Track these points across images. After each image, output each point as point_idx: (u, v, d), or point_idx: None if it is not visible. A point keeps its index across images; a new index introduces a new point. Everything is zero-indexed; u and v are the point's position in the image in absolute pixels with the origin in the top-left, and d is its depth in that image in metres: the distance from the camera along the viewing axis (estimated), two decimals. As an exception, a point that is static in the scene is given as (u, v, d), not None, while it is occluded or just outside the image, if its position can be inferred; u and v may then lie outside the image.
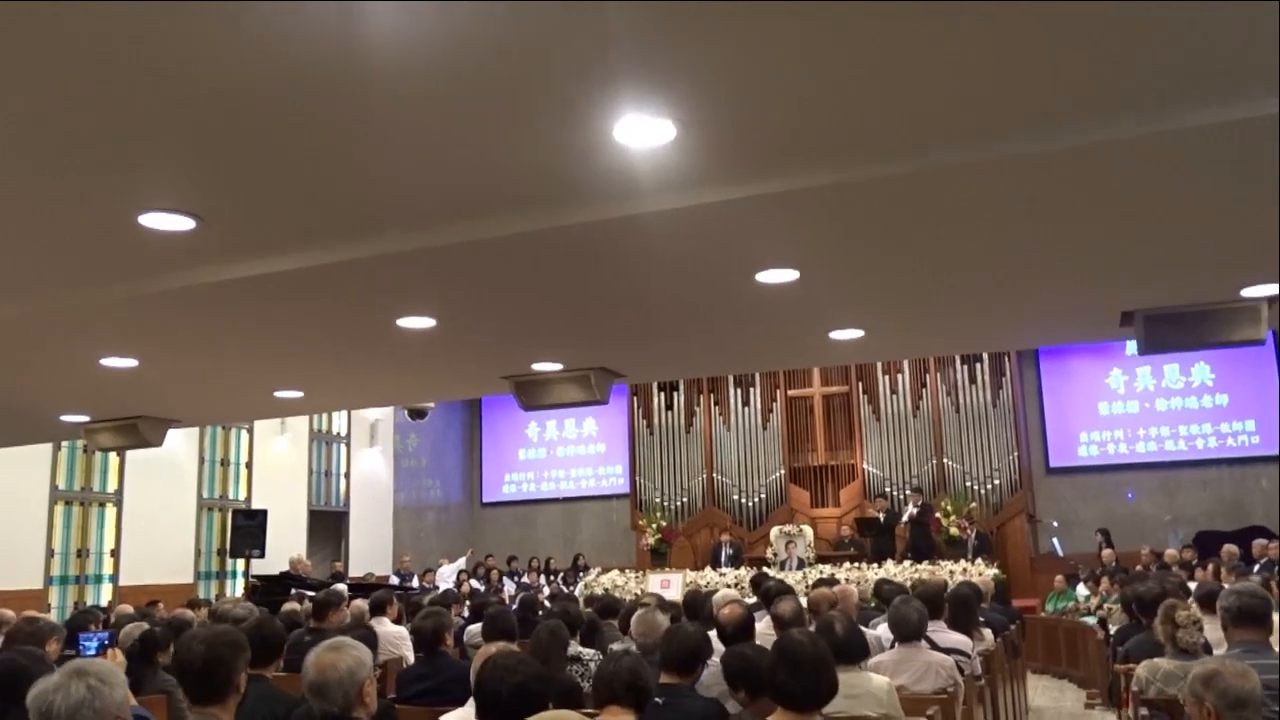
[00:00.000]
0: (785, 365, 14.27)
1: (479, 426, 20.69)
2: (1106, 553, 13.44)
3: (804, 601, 6.41)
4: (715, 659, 5.08)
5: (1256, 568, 11.00)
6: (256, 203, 3.41)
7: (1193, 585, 8.40)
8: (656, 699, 3.74)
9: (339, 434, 17.67)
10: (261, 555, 14.77)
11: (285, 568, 14.07)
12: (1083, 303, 4.90)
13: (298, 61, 2.55)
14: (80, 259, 4.10)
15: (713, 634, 4.89)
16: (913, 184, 3.36)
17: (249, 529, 14.83)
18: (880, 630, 6.37)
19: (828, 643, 3.54)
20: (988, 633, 7.45)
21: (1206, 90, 2.86)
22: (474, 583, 15.73)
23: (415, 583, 15.59)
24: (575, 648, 5.54)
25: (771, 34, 2.42)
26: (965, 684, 5.51)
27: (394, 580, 15.94)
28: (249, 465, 15.98)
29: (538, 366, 6.00)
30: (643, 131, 2.84)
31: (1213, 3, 2.42)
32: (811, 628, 5.66)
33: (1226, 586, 6.69)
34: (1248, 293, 4.66)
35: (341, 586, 11.01)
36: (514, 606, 9.44)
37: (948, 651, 5.68)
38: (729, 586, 12.08)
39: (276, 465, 16.32)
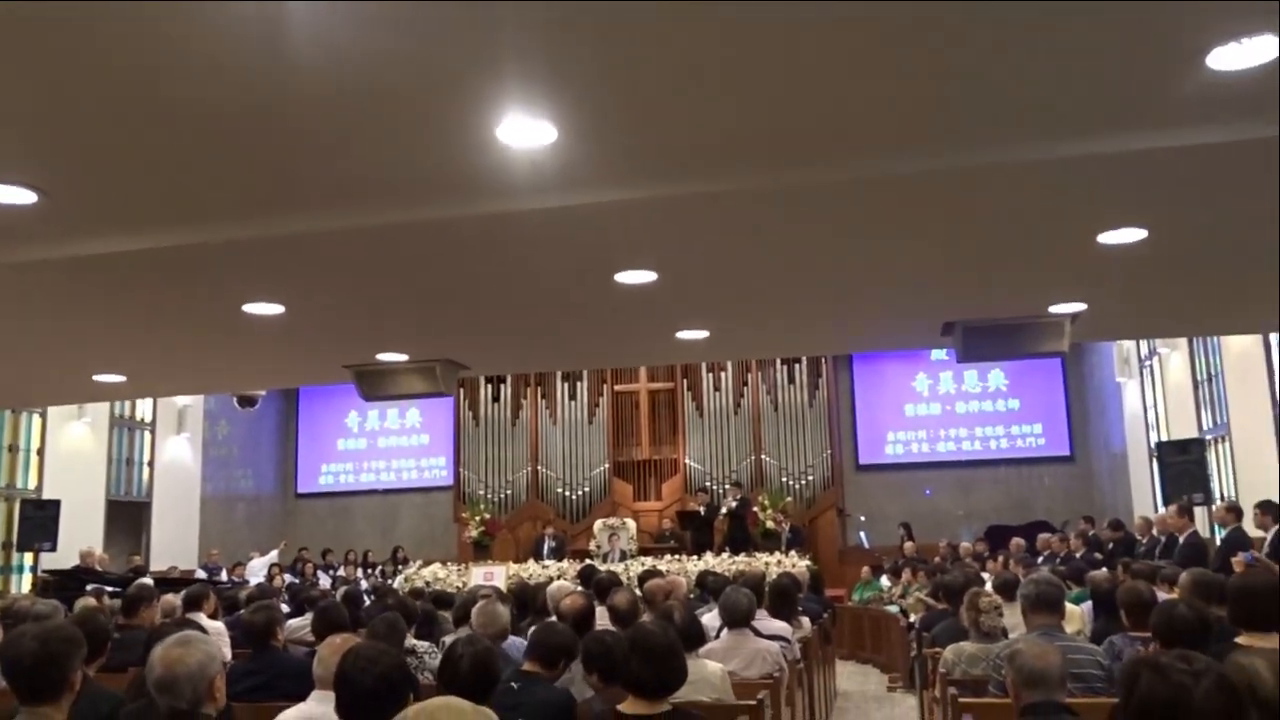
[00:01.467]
0: (632, 363, 14.50)
1: (295, 415, 19.98)
2: (908, 545, 14.31)
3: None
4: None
5: (1041, 559, 11.94)
6: (105, 179, 3.24)
7: (985, 575, 9.07)
8: (511, 684, 3.78)
9: (143, 420, 16.68)
10: (53, 548, 13.77)
11: (76, 561, 13.16)
12: (910, 313, 5.25)
13: (160, 37, 2.45)
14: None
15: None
16: (769, 197, 3.53)
17: (39, 520, 13.79)
18: (707, 619, 6.61)
19: (664, 632, 3.68)
20: (805, 621, 7.83)
21: (1027, 129, 3.14)
22: (287, 576, 15.22)
23: (224, 577, 14.93)
24: (410, 640, 5.51)
25: (650, 49, 2.51)
26: (788, 669, 5.79)
27: (200, 575, 15.19)
28: (40, 452, 14.87)
29: (383, 357, 5.90)
30: (524, 132, 2.88)
31: (1032, 53, 2.66)
32: (646, 617, 5.85)
33: (1023, 576, 7.30)
34: (1055, 309, 5.12)
35: (149, 581, 10.43)
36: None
37: (771, 638, 5.96)
38: (554, 579, 12.17)
39: (72, 452, 15.26)
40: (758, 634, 5.84)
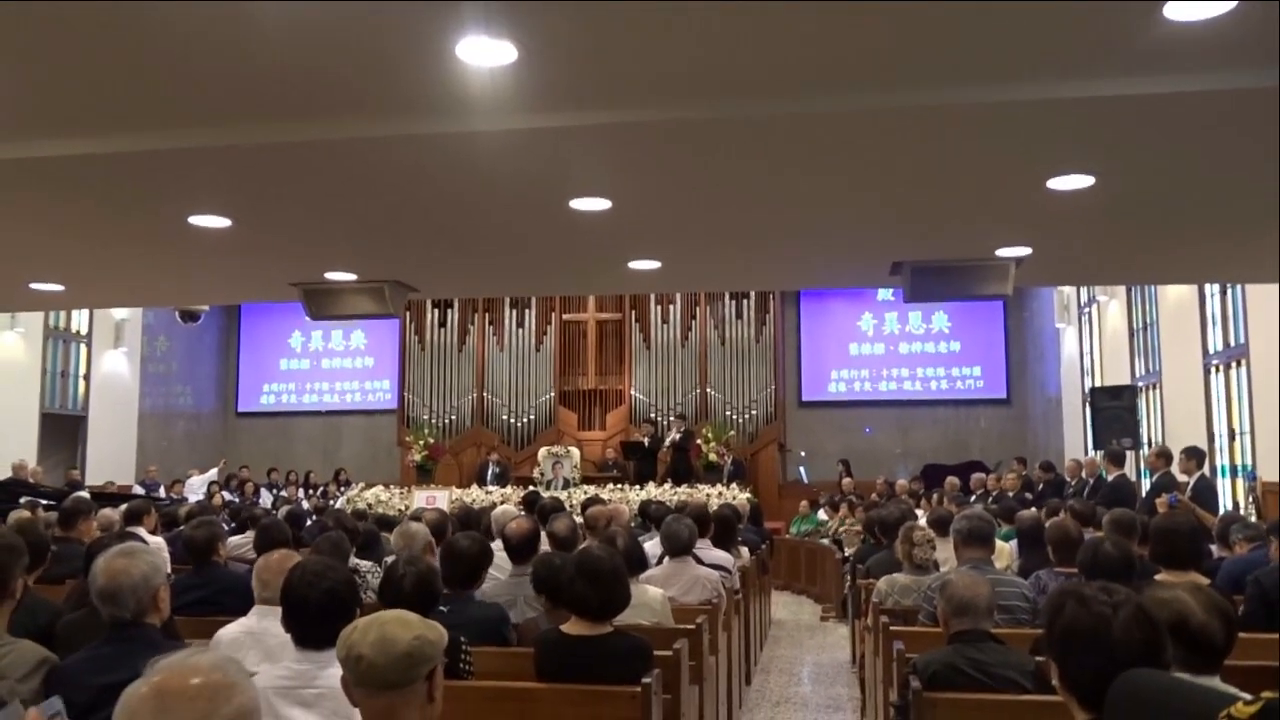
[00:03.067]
0: (583, 291, 14.45)
1: (237, 333, 19.67)
2: (846, 481, 14.60)
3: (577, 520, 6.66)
4: (502, 573, 5.24)
5: (974, 498, 12.28)
6: (45, 81, 3.12)
7: (919, 512, 9.32)
8: (441, 608, 3.85)
9: (79, 332, 16.31)
10: (-16, 459, 13.52)
11: (8, 474, 12.94)
12: (859, 251, 5.30)
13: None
14: None
15: (495, 545, 5.03)
16: (725, 128, 3.52)
17: (-30, 430, 13.53)
18: (648, 546, 6.72)
19: (607, 555, 3.76)
20: (744, 551, 8.01)
21: (981, 72, 3.15)
22: (226, 494, 15.13)
23: (162, 494, 14.80)
24: (354, 560, 5.54)
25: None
26: (726, 596, 5.93)
27: (138, 491, 15.03)
28: (-29, 362, 14.53)
29: (331, 275, 5.81)
30: (485, 51, 2.83)
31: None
32: (586, 543, 5.94)
33: (956, 514, 7.51)
34: (1001, 253, 5.20)
35: (86, 494, 10.30)
36: (277, 519, 9.18)
37: (712, 567, 6.09)
38: (497, 504, 12.25)
39: (4, 361, 14.90)
40: (699, 562, 5.96)
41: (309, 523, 9.28)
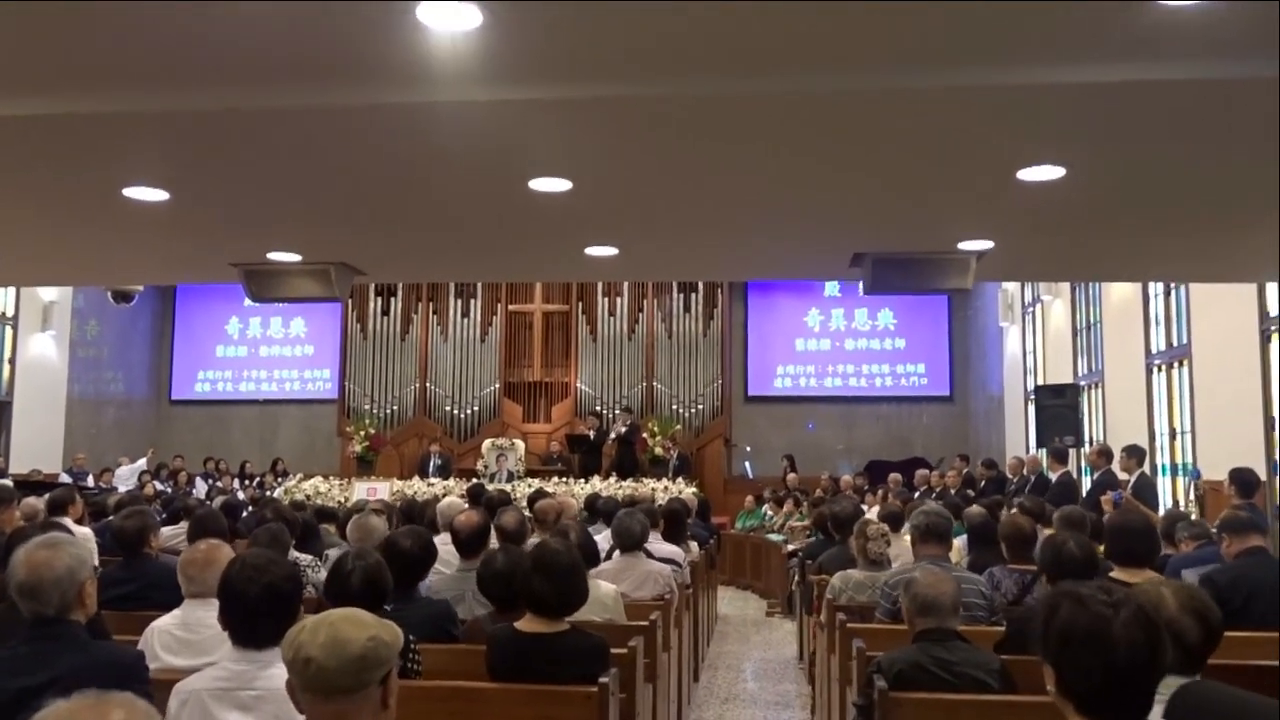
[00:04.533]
0: (539, 278, 14.26)
1: (171, 318, 19.12)
2: (791, 477, 14.60)
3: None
4: (447, 567, 5.08)
5: (918, 494, 12.34)
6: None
7: (864, 508, 9.31)
8: (385, 606, 3.68)
9: (4, 314, 15.70)
10: (-99, 445, 12.96)
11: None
12: (822, 241, 5.21)
13: None
14: None
15: (440, 540, 4.87)
16: (696, 106, 3.40)
17: (-115, 414, 12.93)
18: (597, 540, 6.60)
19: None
20: (694, 545, 7.93)
21: (960, 55, 3.05)
22: (157, 484, 14.70)
23: (90, 482, 14.31)
24: (293, 553, 5.34)
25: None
26: (678, 591, 5.83)
27: (65, 479, 14.51)
28: (-113, 343, 13.89)
29: (274, 256, 5.56)
30: (448, 15, 2.65)
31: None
32: (534, 538, 5.80)
33: (901, 510, 7.49)
34: (964, 246, 5.15)
35: (8, 482, 9.89)
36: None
37: (663, 561, 5.99)
38: (439, 496, 12.03)
39: (-76, 345, 14.29)
40: (650, 556, 5.86)
41: (245, 514, 9.02)
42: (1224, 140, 3.61)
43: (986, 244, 5.17)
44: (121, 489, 12.68)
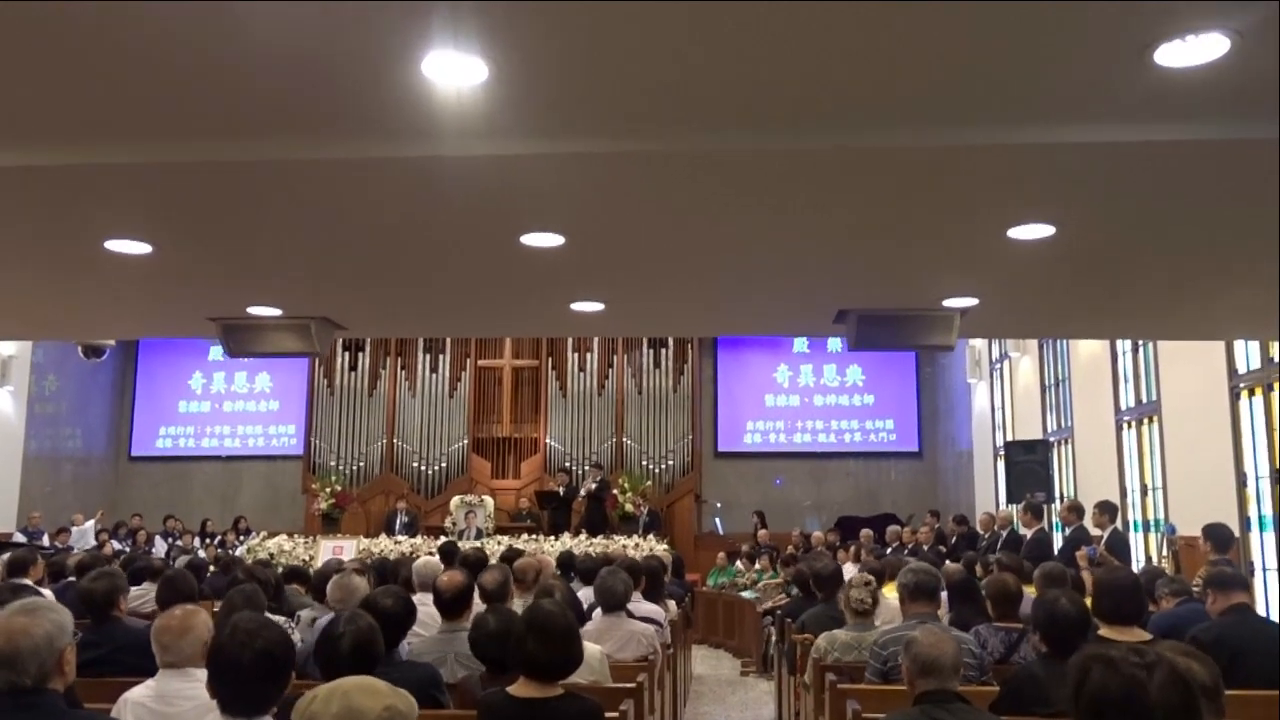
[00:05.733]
0: (520, 333, 14.21)
1: (134, 373, 18.80)
2: (762, 533, 14.53)
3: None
4: (426, 629, 4.95)
5: (889, 550, 12.30)
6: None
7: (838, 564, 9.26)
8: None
9: (-40, 370, 15.36)
10: None
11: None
12: (808, 297, 5.22)
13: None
14: None
15: (416, 600, 4.75)
16: (695, 162, 3.41)
17: None
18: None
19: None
20: (672, 604, 7.83)
21: (956, 114, 3.07)
22: (115, 543, 14.33)
23: (46, 541, 13.91)
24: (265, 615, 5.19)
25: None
26: (660, 651, 5.73)
27: (19, 539, 14.10)
28: None
29: (254, 310, 5.47)
30: (453, 69, 2.63)
31: (965, 39, 2.59)
32: (516, 597, 5.68)
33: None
34: (948, 303, 5.19)
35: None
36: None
37: (644, 620, 5.89)
38: (406, 554, 11.81)
39: (-125, 400, 13.91)
40: (631, 616, 5.76)
41: (209, 574, 8.78)
42: (1213, 201, 3.67)
43: (971, 301, 5.21)
44: (77, 548, 12.33)
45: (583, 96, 2.87)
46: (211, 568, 9.75)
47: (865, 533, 13.51)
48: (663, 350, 17.21)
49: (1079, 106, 2.95)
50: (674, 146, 3.27)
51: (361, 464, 17.18)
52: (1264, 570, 8.22)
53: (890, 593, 6.29)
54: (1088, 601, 4.33)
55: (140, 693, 3.34)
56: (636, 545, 13.11)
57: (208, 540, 15.58)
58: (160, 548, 14.54)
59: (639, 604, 6.38)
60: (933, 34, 2.58)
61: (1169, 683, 1.80)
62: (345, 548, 13.24)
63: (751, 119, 3.13)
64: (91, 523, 14.92)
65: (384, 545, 13.36)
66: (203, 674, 3.24)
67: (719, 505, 17.18)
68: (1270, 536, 8.48)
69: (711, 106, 3.03)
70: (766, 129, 3.21)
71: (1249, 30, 2.50)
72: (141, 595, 6.99)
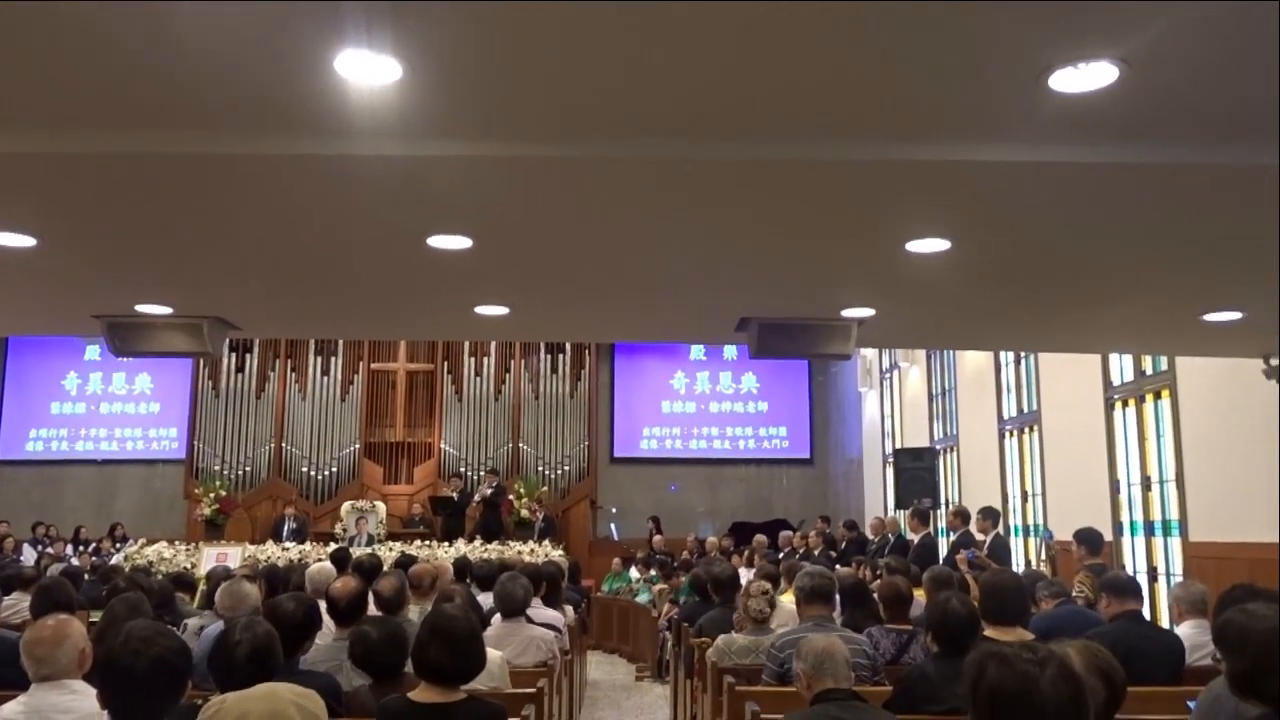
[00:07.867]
0: (421, 336, 13.99)
1: (2, 371, 17.88)
2: (657, 539, 14.63)
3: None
4: (321, 638, 4.83)
5: (782, 555, 12.52)
6: None
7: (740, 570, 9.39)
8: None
9: None
10: None
11: None
12: (712, 306, 5.28)
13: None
14: None
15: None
16: (602, 170, 3.42)
17: None
18: (473, 606, 6.43)
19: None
20: (569, 609, 7.81)
21: (858, 129, 3.16)
22: (-21, 552, 13.60)
23: (-101, 550, 13.13)
24: (152, 623, 5.00)
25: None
26: (559, 657, 5.72)
27: None
28: None
29: (143, 308, 5.26)
30: (366, 68, 2.58)
31: (869, 55, 2.68)
32: (412, 604, 5.61)
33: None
34: (847, 313, 5.33)
35: None
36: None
37: (544, 626, 5.87)
38: (294, 561, 11.51)
39: None
40: (530, 621, 5.74)
41: (84, 582, 8.41)
42: (1101, 220, 3.85)
43: (869, 311, 5.36)
44: (-64, 557, 11.68)
45: (496, 100, 2.86)
46: (87, 576, 9.35)
47: (759, 538, 13.69)
48: (560, 355, 17.19)
49: (979, 127, 3.07)
50: (586, 153, 3.28)
51: (248, 468, 16.68)
52: (1134, 572, 8.65)
53: (787, 598, 6.42)
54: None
55: (12, 709, 3.17)
56: (532, 551, 13.06)
57: (81, 548, 14.90)
58: (29, 556, 13.85)
59: (538, 609, 6.36)
60: (835, 51, 2.65)
61: (1060, 677, 1.89)
62: (230, 555, 12.82)
63: (659, 129, 3.17)
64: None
65: (271, 552, 12.99)
66: (80, 686, 3.12)
67: (614, 511, 17.23)
68: (1140, 540, 8.94)
69: (620, 116, 3.06)
70: (672, 139, 3.24)
71: (1135, 59, 2.64)
72: (12, 605, 6.67)
